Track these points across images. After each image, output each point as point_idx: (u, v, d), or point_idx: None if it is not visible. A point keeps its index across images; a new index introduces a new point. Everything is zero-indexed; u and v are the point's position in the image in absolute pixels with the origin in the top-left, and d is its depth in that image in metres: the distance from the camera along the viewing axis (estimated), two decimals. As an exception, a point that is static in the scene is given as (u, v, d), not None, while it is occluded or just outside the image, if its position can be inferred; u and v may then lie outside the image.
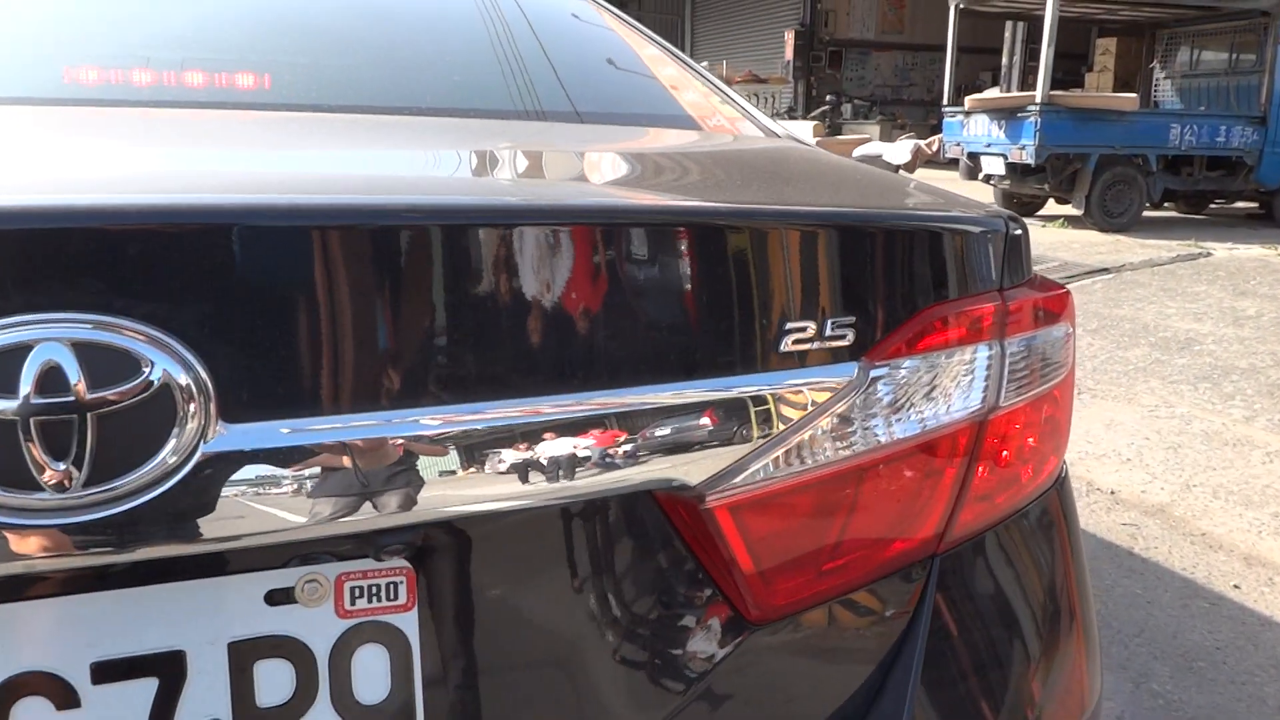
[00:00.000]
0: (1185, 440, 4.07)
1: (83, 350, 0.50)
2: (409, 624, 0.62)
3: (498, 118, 1.15)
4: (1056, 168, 9.32)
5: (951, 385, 0.80)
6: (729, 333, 0.67)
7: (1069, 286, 5.33)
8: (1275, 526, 3.28)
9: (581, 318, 0.62)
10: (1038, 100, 9.05)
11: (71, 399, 0.50)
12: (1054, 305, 0.92)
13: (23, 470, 0.50)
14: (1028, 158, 9.07)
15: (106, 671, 0.57)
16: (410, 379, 0.58)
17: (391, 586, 0.61)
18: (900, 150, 11.64)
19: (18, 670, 0.55)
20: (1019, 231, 0.89)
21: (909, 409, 0.78)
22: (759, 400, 0.69)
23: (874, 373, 0.75)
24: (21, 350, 0.50)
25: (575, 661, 0.68)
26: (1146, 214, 10.08)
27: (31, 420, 0.50)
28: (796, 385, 0.71)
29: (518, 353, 0.61)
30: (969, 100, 10.17)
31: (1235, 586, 2.88)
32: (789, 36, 20.23)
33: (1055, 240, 8.84)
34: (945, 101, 11.34)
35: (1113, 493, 3.60)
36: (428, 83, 1.18)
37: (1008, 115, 9.43)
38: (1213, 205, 11.23)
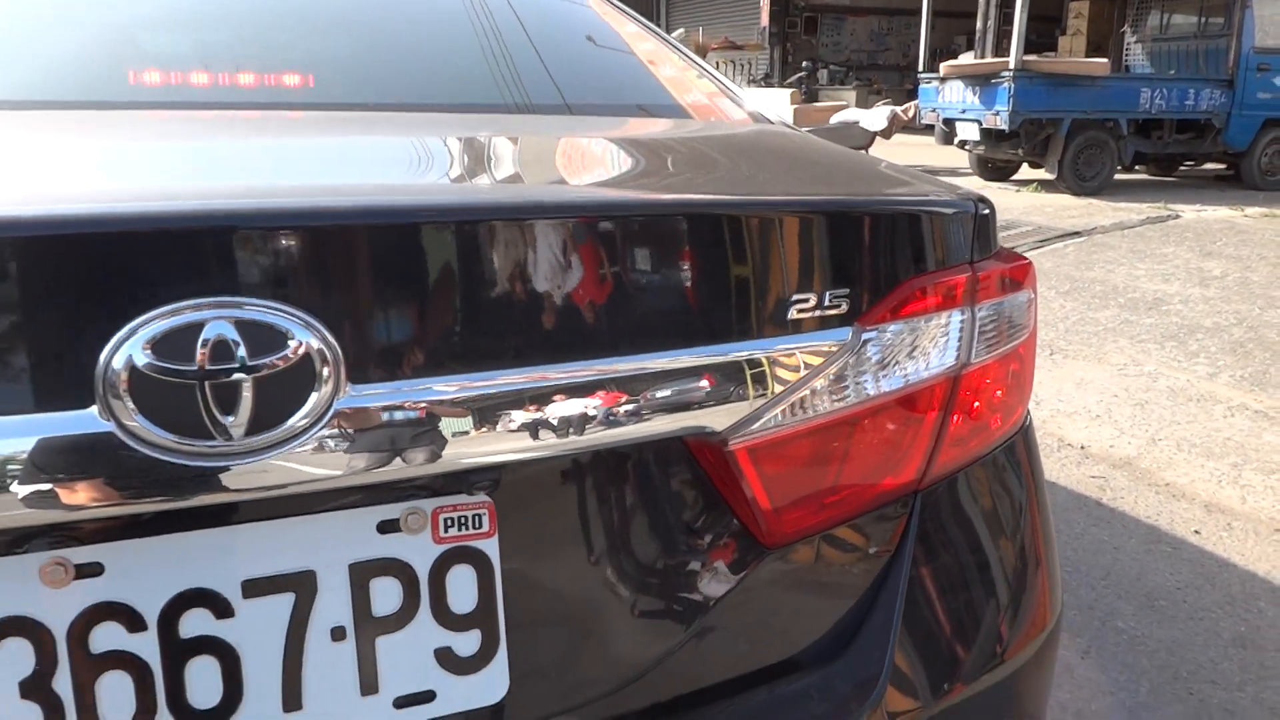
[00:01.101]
0: (1152, 397, 4.24)
1: (243, 327, 0.63)
2: (491, 548, 0.75)
3: (510, 112, 1.26)
4: (1030, 132, 9.48)
5: (930, 345, 0.94)
6: (747, 305, 0.81)
7: (1042, 250, 5.49)
8: (1234, 476, 3.47)
9: (637, 299, 0.75)
10: (1011, 66, 9.18)
11: (235, 365, 0.63)
12: (1018, 274, 1.06)
13: (198, 423, 0.63)
14: (1002, 123, 9.22)
15: (254, 588, 0.70)
16: (490, 348, 0.71)
17: (476, 517, 0.75)
18: (877, 117, 11.74)
19: (185, 587, 0.68)
20: (987, 211, 1.02)
21: (894, 366, 0.92)
22: (772, 360, 0.82)
23: (865, 335, 0.89)
24: (196, 327, 0.62)
25: (622, 577, 0.82)
26: (1118, 177, 10.26)
27: (205, 383, 0.62)
28: (802, 346, 0.84)
29: (582, 325, 0.74)
30: (944, 67, 10.29)
31: (1196, 532, 3.06)
32: (764, 2, 20.19)
33: (1029, 204, 9.01)
34: (921, 67, 11.45)
35: (1083, 447, 3.77)
36: (450, 78, 1.29)
37: (982, 81, 9.56)
38: (1182, 168, 11.44)
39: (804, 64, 18.78)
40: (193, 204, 0.65)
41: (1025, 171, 10.76)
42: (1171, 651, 2.40)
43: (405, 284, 0.68)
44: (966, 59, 12.12)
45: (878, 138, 11.89)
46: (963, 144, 10.54)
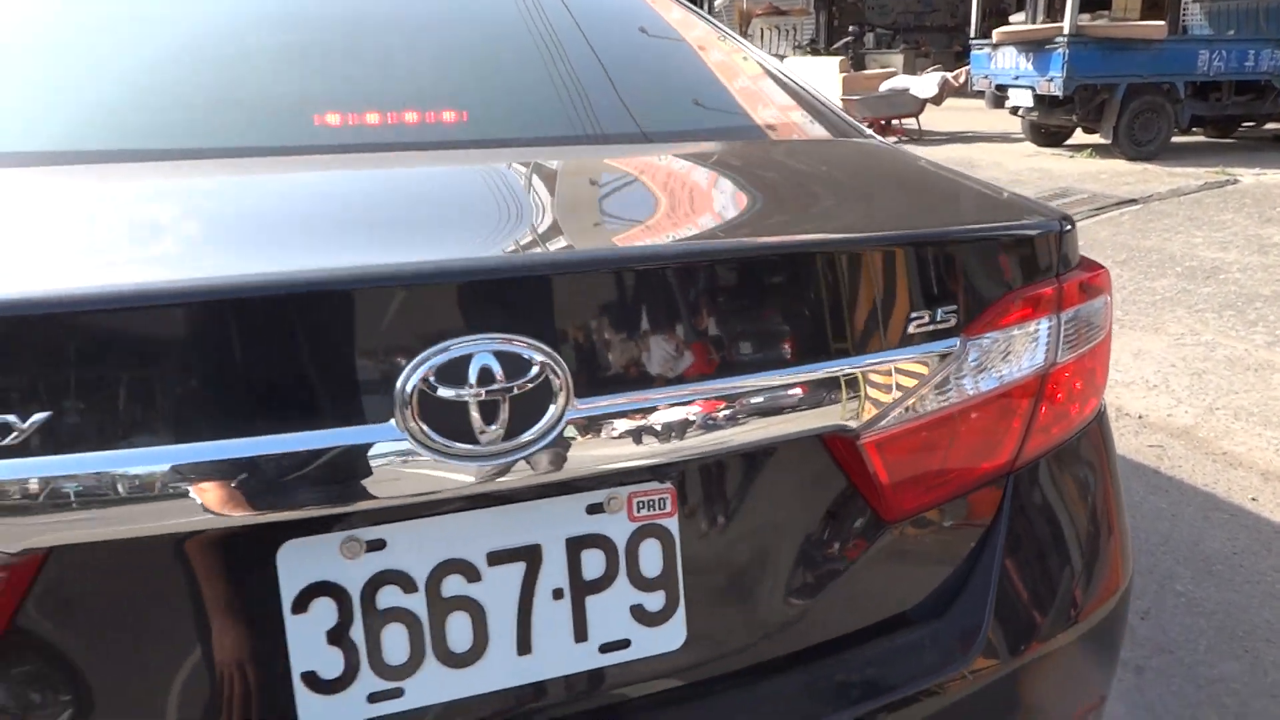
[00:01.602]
0: (1209, 366, 4.31)
1: (500, 357, 0.81)
2: (673, 525, 0.93)
3: (635, 141, 1.40)
4: (1084, 98, 9.41)
5: (1022, 349, 1.10)
6: (875, 324, 0.97)
7: (1097, 218, 5.54)
8: (1291, 445, 3.55)
9: (786, 323, 0.93)
10: (1066, 32, 9.11)
11: (496, 388, 0.81)
12: (1096, 281, 1.21)
13: (468, 431, 0.81)
14: (1056, 89, 9.16)
15: (496, 558, 0.88)
16: (679, 369, 0.89)
17: (661, 500, 0.92)
18: (927, 84, 11.69)
19: (445, 557, 0.87)
20: (1070, 229, 1.17)
21: (993, 369, 1.08)
22: (896, 369, 0.99)
23: (969, 344, 1.05)
24: (467, 358, 0.80)
25: (774, 548, 0.99)
26: (1174, 140, 10.14)
27: (473, 400, 0.81)
28: (919, 356, 1.00)
29: (749, 347, 0.91)
30: (996, 33, 10.21)
31: (1253, 499, 3.17)
32: (809, -35, 19.97)
33: (1083, 171, 8.97)
34: (972, 33, 11.35)
35: (1140, 417, 3.87)
36: (582, 108, 1.45)
37: (1035, 47, 9.49)
38: (1241, 129, 11.25)
39: (850, 28, 18.59)
40: (463, 262, 0.83)
41: (1079, 136, 10.66)
42: (1228, 613, 2.53)
43: (615, 320, 0.86)
44: (1017, 20, 11.99)
45: (928, 104, 11.85)
46: (1015, 110, 10.48)
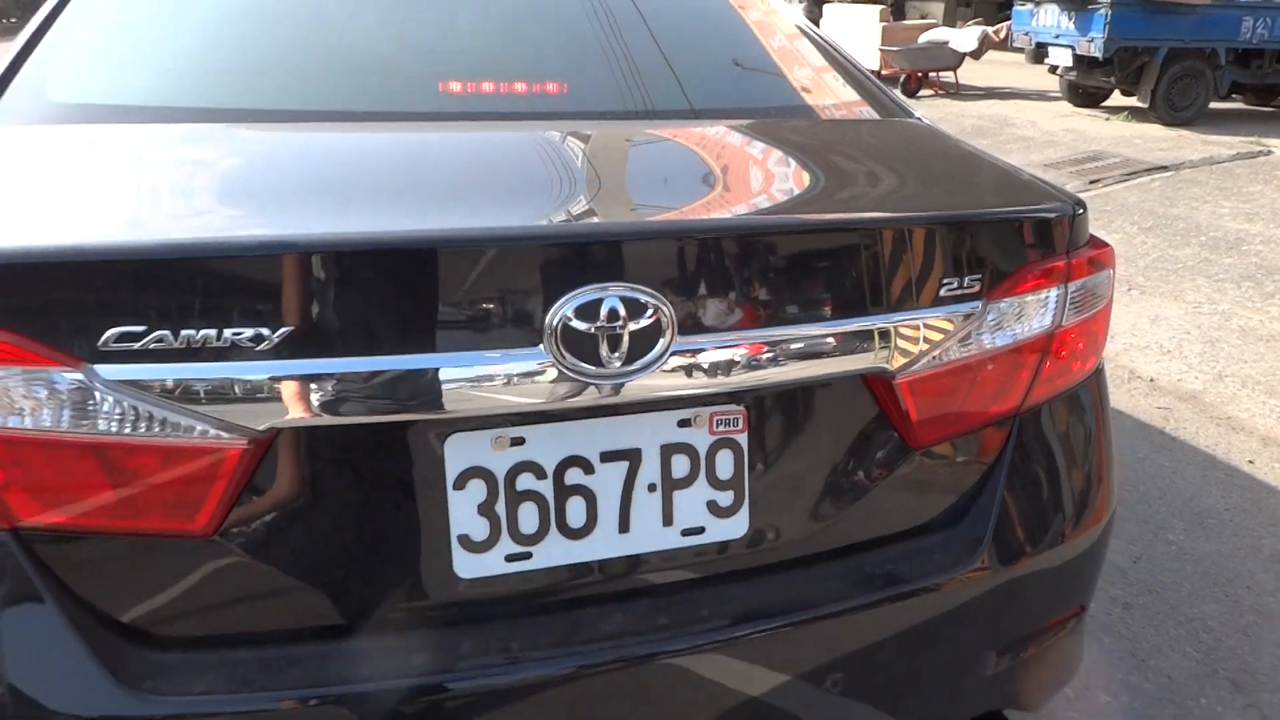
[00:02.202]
0: (1223, 335, 4.48)
1: (624, 300, 1.04)
2: (743, 439, 1.17)
3: (734, 117, 1.60)
4: (1124, 60, 9.40)
5: (1033, 313, 1.32)
6: (914, 287, 1.20)
7: (1128, 184, 5.69)
8: (1293, 413, 3.74)
9: (846, 283, 1.16)
10: (1110, -8, 9.09)
11: (623, 322, 1.04)
12: (1102, 258, 1.42)
13: (596, 356, 1.04)
14: (1096, 50, 9.15)
15: (606, 457, 1.13)
16: (758, 315, 1.12)
17: (735, 419, 1.16)
18: (967, 37, 11.64)
19: (568, 454, 1.10)
20: (1081, 213, 1.38)
21: (1007, 328, 1.30)
22: (927, 323, 1.21)
23: (990, 307, 1.27)
24: (599, 301, 1.04)
25: (820, 463, 1.23)
26: (1212, 106, 10.12)
27: (601, 333, 1.04)
28: (947, 314, 1.23)
29: (810, 301, 1.14)
30: (1040, -11, 10.17)
31: (1250, 462, 3.38)
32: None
33: (1118, 135, 9.02)
34: (1016, -13, 11.27)
35: (1152, 380, 4.07)
36: (674, 82, 1.65)
37: (1078, 6, 9.45)
38: (1280, 98, 11.20)
39: (893, -25, 18.31)
40: (599, 226, 1.07)
41: (1116, 98, 10.64)
42: (1214, 562, 2.76)
43: (710, 276, 1.09)
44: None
45: (967, 58, 11.82)
46: (1053, 69, 10.46)
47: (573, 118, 1.53)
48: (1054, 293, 1.33)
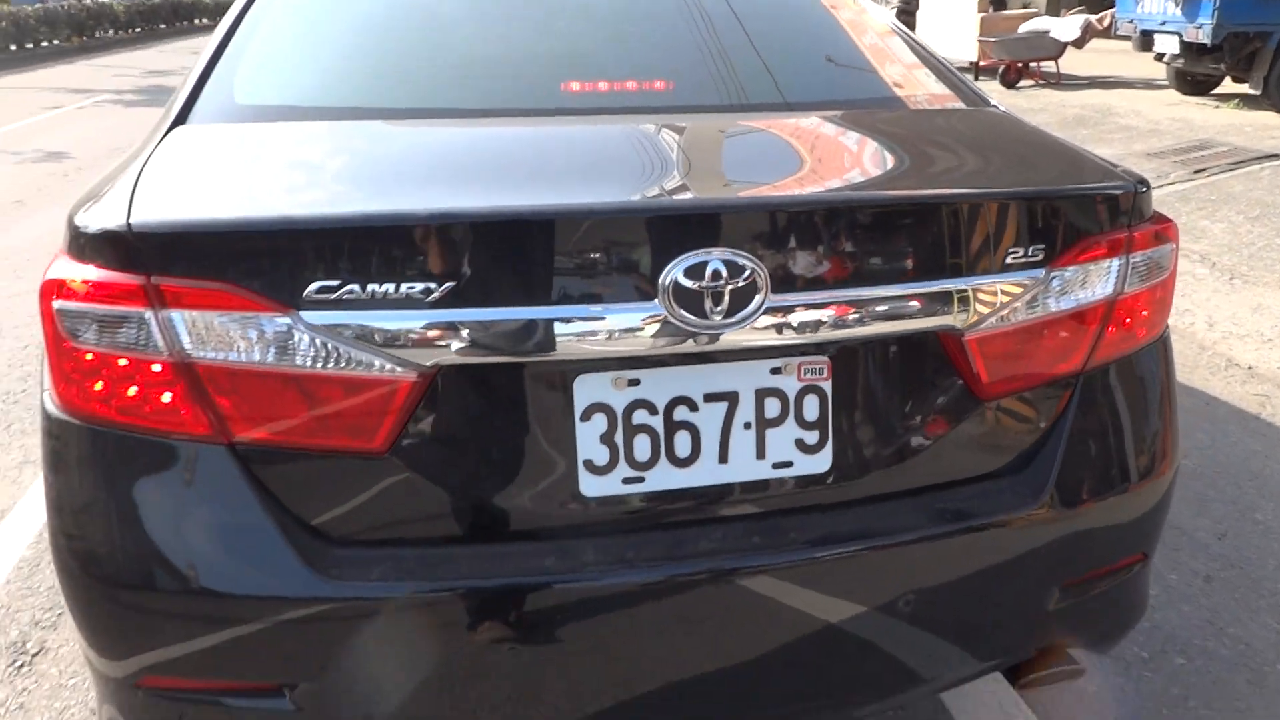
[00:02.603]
0: (1328, 325, 4.41)
1: (726, 263, 1.23)
2: (827, 387, 1.35)
3: (814, 110, 1.78)
4: (1234, 46, 9.09)
5: (1095, 281, 1.46)
6: (984, 254, 1.36)
7: (1235, 173, 5.61)
8: (1396, 401, 3.69)
9: (924, 251, 1.32)
10: (1219, -24, 8.81)
11: (724, 281, 1.24)
12: (1165, 232, 1.54)
13: (702, 311, 1.24)
14: (1204, 37, 8.88)
15: (709, 397, 1.32)
16: (841, 276, 1.30)
17: (820, 368, 1.34)
18: (1069, 26, 11.40)
19: (676, 394, 1.30)
20: (1144, 190, 1.51)
21: (1070, 294, 1.44)
22: (995, 288, 1.37)
23: (1053, 274, 1.41)
24: (705, 262, 1.23)
25: (895, 409, 1.40)
26: (1333, 92, 9.71)
27: (706, 290, 1.24)
28: (1014, 280, 1.38)
29: (892, 265, 1.31)
30: (1146, -25, 9.91)
31: (1347, 448, 3.37)
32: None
33: (1227, 123, 8.75)
34: (1121, -26, 10.99)
35: (1250, 368, 4.05)
36: (766, 78, 1.84)
37: (1186, -9, 9.21)
38: None
39: (993, -37, 17.94)
40: (706, 200, 1.27)
41: (1226, 85, 10.29)
42: (1301, 541, 2.80)
43: (802, 242, 1.27)
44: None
45: (1070, 47, 11.58)
46: (1160, 56, 10.18)
47: (679, 111, 1.73)
48: (1116, 263, 1.47)
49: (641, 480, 1.32)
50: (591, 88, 1.76)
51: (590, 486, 1.30)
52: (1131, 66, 12.71)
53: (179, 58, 19.93)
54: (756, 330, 1.27)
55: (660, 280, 1.23)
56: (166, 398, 1.24)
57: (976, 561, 1.45)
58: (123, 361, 1.23)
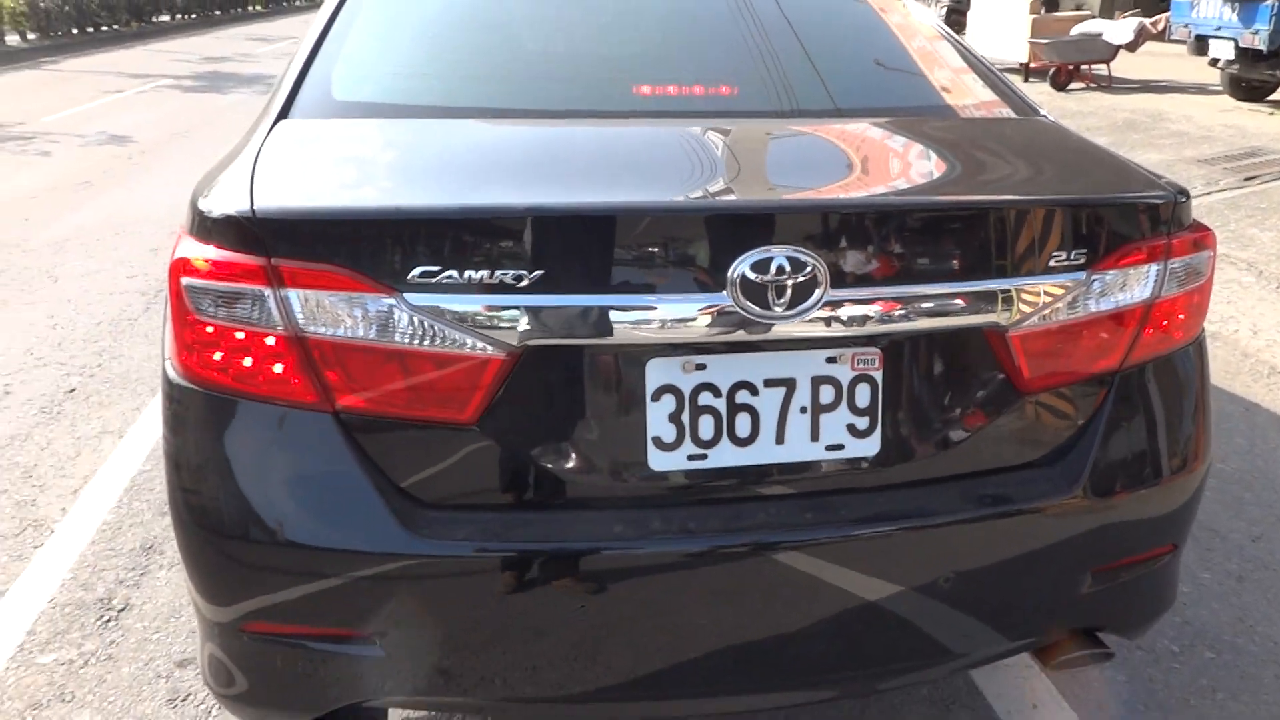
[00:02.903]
0: (1374, 335, 4.41)
1: (789, 259, 1.34)
2: (879, 376, 1.45)
3: (863, 116, 1.88)
4: (1292, 53, 9.02)
5: (1133, 285, 1.54)
6: (1028, 258, 1.45)
7: None
8: None
9: (970, 252, 1.42)
10: (1278, -19, 8.72)
11: (788, 275, 1.35)
12: (1204, 240, 1.63)
13: (766, 303, 1.35)
14: (1260, 43, 8.80)
15: (768, 383, 1.43)
16: (894, 274, 1.40)
17: (872, 359, 1.44)
18: (1122, 29, 11.30)
19: (739, 378, 1.41)
20: (1184, 199, 1.59)
21: (1109, 296, 1.53)
22: (1039, 289, 1.47)
23: (1093, 277, 1.51)
24: (770, 258, 1.34)
25: (942, 398, 1.50)
26: (1392, 101, 9.57)
27: (770, 284, 1.35)
28: (1056, 282, 1.47)
29: (941, 266, 1.41)
30: (1202, -21, 9.82)
31: (1387, 456, 3.40)
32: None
33: (1281, 130, 8.67)
34: (1177, -23, 10.88)
35: (1292, 376, 4.08)
36: (819, 84, 1.94)
37: (1243, -3, 9.12)
38: None
39: (1046, -36, 17.75)
40: (772, 200, 1.38)
41: (1283, 92, 10.17)
42: (1336, 543, 2.85)
43: (858, 242, 1.37)
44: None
45: (1123, 50, 11.48)
46: (1214, 62, 10.07)
47: (742, 116, 1.84)
48: (1154, 268, 1.56)
49: (705, 457, 1.43)
50: (661, 91, 1.88)
51: (658, 461, 1.42)
52: (1185, 71, 12.56)
53: (234, 44, 20.34)
54: (815, 322, 1.39)
55: (729, 273, 1.34)
56: (278, 368, 1.37)
57: (1012, 545, 1.55)
58: (240, 335, 1.37)
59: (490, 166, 1.56)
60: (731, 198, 1.42)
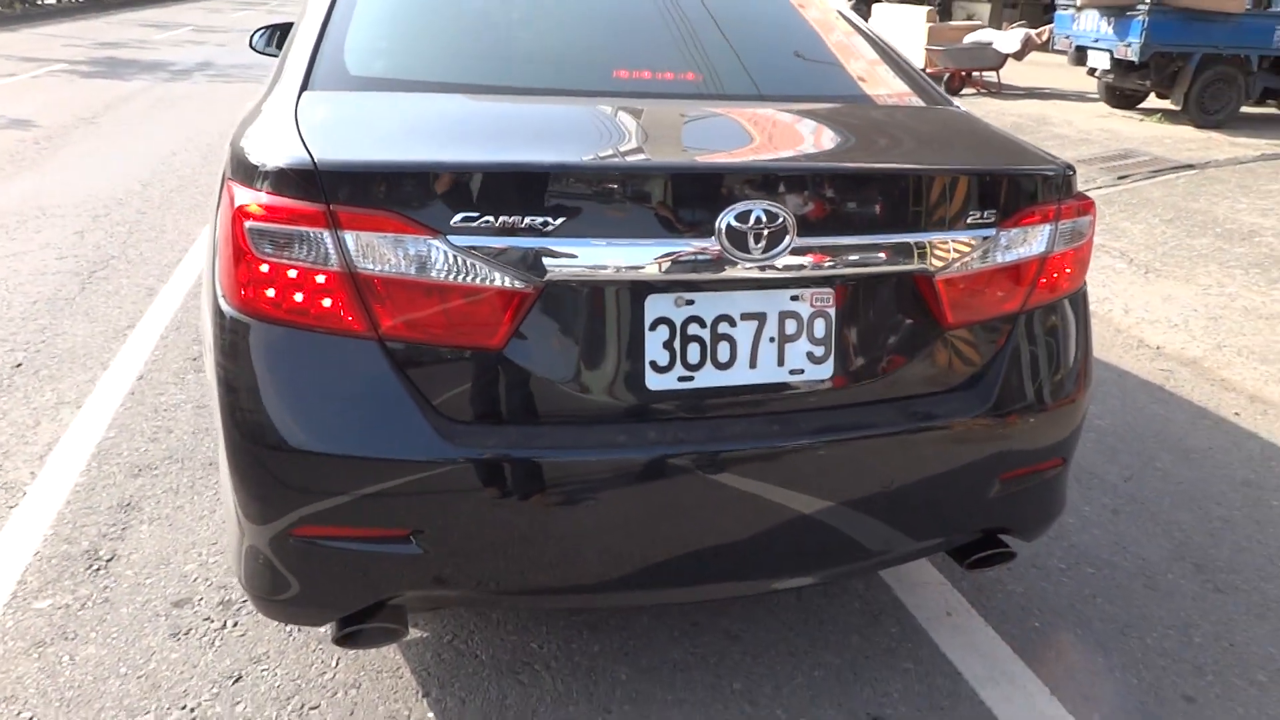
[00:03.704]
0: (1227, 313, 4.99)
1: (765, 210, 1.64)
2: (833, 312, 1.75)
3: (809, 101, 2.21)
4: (1160, 65, 9.82)
5: (1033, 240, 1.90)
6: (950, 216, 1.79)
7: (1154, 180, 6.29)
8: None
9: (904, 211, 1.74)
10: (1148, 0, 9.50)
11: (764, 224, 1.63)
12: (1085, 208, 1.99)
13: (746, 248, 1.63)
14: (1132, 55, 9.58)
15: (743, 316, 1.71)
16: (845, 224, 1.71)
17: (828, 297, 1.74)
18: (1010, 39, 12.08)
19: (720, 312, 1.67)
20: (1071, 173, 1.96)
21: (1013, 249, 1.88)
22: (958, 241, 1.80)
23: (1000, 234, 1.85)
24: (750, 210, 1.62)
25: (882, 332, 1.81)
26: (1244, 110, 10.51)
27: (749, 231, 1.63)
28: (972, 236, 1.81)
29: (881, 219, 1.73)
30: (1082, -5, 10.60)
31: (1236, 414, 3.91)
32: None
33: (1150, 135, 9.46)
34: (1058, -8, 11.69)
35: (1158, 348, 4.60)
36: (766, 77, 2.25)
37: (1117, 13, 9.88)
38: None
39: (939, -25, 18.67)
40: (753, 162, 1.68)
41: (1152, 101, 11.04)
42: (1193, 484, 3.31)
43: (817, 199, 1.68)
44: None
45: (1011, 59, 12.26)
46: (1093, 71, 10.88)
47: (705, 99, 2.13)
48: (1047, 228, 1.91)
49: (692, 379, 1.72)
50: (637, 75, 2.16)
51: (654, 382, 1.70)
52: (1067, 80, 13.47)
53: (129, 30, 19.68)
54: (783, 266, 1.69)
55: (717, 222, 1.63)
56: (328, 301, 1.60)
57: (937, 454, 1.88)
58: (295, 272, 1.59)
59: (509, 132, 1.82)
60: (721, 160, 1.71)
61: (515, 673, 2.25)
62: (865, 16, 12.86)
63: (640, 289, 1.66)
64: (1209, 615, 2.61)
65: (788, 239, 1.67)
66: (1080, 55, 10.96)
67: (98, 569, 2.62)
